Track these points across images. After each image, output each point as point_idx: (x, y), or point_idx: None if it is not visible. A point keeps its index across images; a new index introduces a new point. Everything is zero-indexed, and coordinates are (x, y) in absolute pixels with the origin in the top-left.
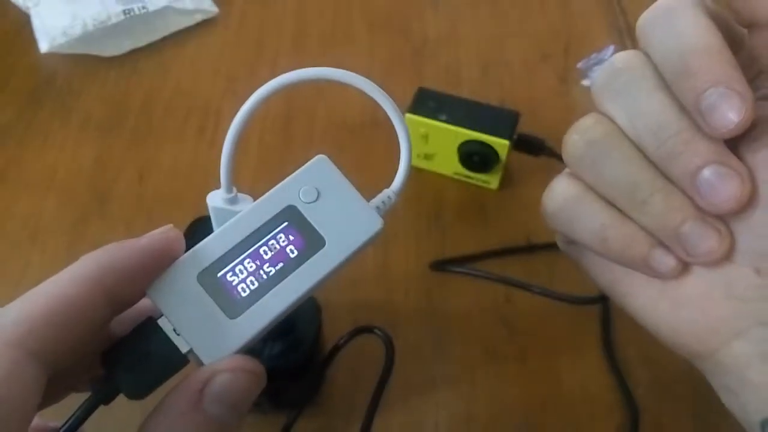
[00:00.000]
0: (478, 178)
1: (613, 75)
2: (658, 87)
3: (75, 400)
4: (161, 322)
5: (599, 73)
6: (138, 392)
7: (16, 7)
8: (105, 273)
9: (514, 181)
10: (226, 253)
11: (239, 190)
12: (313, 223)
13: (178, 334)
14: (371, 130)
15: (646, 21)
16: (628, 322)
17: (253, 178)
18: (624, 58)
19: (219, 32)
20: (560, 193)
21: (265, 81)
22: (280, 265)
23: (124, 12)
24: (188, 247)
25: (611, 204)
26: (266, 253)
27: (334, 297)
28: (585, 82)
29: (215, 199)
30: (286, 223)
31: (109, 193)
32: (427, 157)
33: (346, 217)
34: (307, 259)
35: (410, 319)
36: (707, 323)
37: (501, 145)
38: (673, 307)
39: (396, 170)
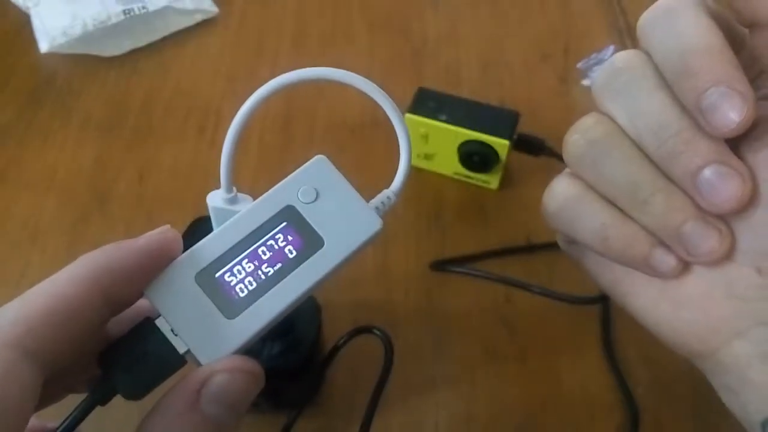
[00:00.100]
0: (478, 178)
1: (614, 74)
2: (658, 87)
3: (73, 401)
4: (159, 322)
5: (600, 73)
6: (135, 393)
7: (16, 7)
8: (102, 273)
9: (514, 181)
10: (224, 253)
11: (239, 190)
12: (311, 224)
13: (176, 335)
14: (371, 130)
15: (646, 21)
16: (628, 322)
17: (253, 178)
18: (624, 57)
19: (219, 32)
20: (561, 192)
21: (265, 81)
22: (279, 265)
23: (124, 12)
24: (188, 247)
25: (612, 204)
26: (265, 254)
27: (334, 297)
28: (585, 82)
29: (215, 199)
30: (284, 224)
31: (109, 193)
32: (427, 157)
33: (345, 217)
34: (306, 260)
35: (410, 319)
36: (708, 323)
37: (501, 145)
38: (674, 306)
39: (396, 170)
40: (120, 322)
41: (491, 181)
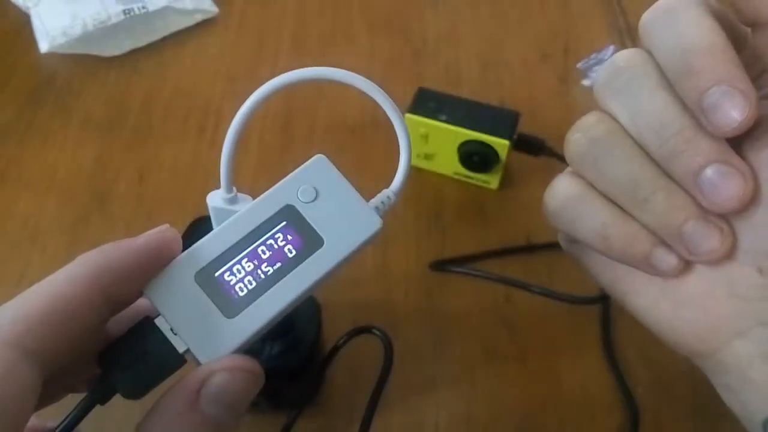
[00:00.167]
0: (478, 178)
1: (615, 73)
2: (660, 85)
3: (73, 400)
4: (158, 321)
5: (601, 72)
6: (135, 392)
7: (16, 7)
8: (101, 272)
9: (514, 181)
10: (223, 252)
11: (239, 190)
12: (311, 223)
13: (176, 334)
14: (371, 130)
15: (648, 20)
16: (628, 322)
17: (253, 178)
18: (626, 56)
19: (219, 32)
20: (562, 191)
21: (265, 81)
22: (278, 264)
23: (124, 12)
24: (188, 246)
25: (613, 203)
26: (264, 253)
27: (334, 297)
28: (585, 82)
29: (215, 199)
30: (284, 223)
31: (109, 193)
32: (427, 157)
33: (344, 216)
34: (306, 259)
35: (410, 319)
36: (709, 322)
37: (501, 145)
38: (675, 306)
39: (396, 170)
40: (119, 321)
41: (491, 181)
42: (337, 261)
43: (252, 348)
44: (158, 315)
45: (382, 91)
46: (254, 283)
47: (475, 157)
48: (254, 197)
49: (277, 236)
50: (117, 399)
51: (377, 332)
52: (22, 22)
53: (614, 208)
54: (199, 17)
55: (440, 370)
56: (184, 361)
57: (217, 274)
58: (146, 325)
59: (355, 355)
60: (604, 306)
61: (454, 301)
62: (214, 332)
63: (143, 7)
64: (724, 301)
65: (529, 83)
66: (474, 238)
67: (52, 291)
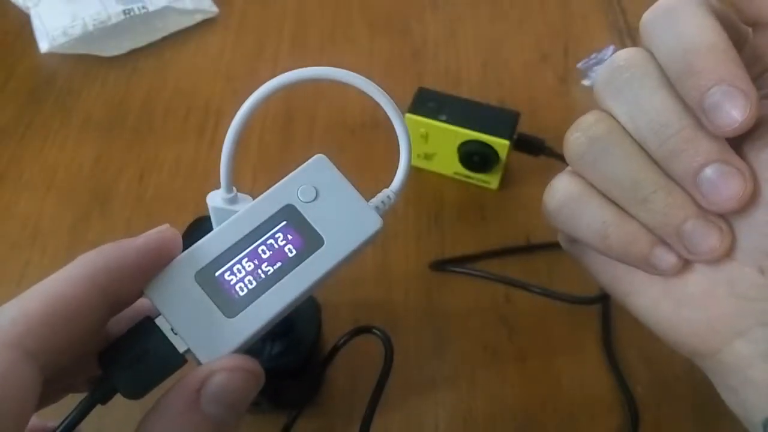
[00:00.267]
0: (478, 178)
1: (615, 72)
2: (660, 85)
3: (74, 400)
4: (159, 321)
5: (601, 71)
6: (135, 392)
7: (16, 7)
8: (101, 273)
9: (514, 181)
10: (223, 252)
11: (239, 190)
12: (311, 223)
13: (176, 334)
14: (371, 130)
15: (649, 19)
16: (628, 322)
17: (253, 178)
18: (626, 55)
19: (219, 32)
20: (561, 190)
21: (265, 81)
22: (279, 264)
23: (124, 12)
24: (188, 246)
25: (613, 202)
26: (264, 252)
27: (334, 297)
28: (585, 82)
29: (215, 199)
30: (284, 222)
31: (109, 193)
32: (427, 157)
33: (345, 216)
34: (306, 259)
35: (410, 319)
36: (709, 322)
37: (501, 145)
38: (676, 305)
39: (396, 170)
40: (120, 321)
41: (491, 181)
42: (337, 260)
43: (252, 348)
44: (158, 315)
45: (382, 91)
46: (254, 283)
47: (475, 157)
48: (254, 197)
49: (277, 236)
50: (117, 399)
51: (377, 332)
52: (22, 22)
53: (614, 207)
54: (199, 17)
55: (440, 370)
56: (185, 361)
57: (217, 273)
58: (146, 325)
59: (355, 355)
60: (604, 306)
61: (454, 301)
62: (214, 332)
63: (143, 7)
64: (725, 300)
65: (529, 83)
66: (474, 238)
67: (52, 291)
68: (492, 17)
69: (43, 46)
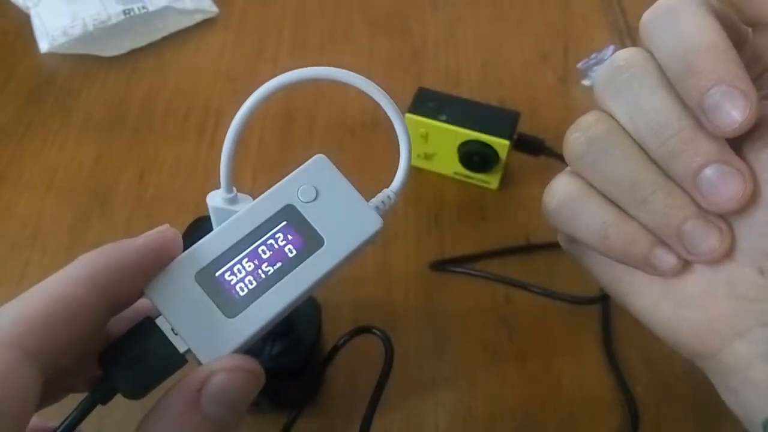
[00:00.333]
0: (478, 178)
1: (615, 72)
2: (660, 85)
3: (74, 400)
4: (159, 321)
5: (601, 71)
6: (135, 392)
7: (16, 7)
8: (101, 273)
9: (514, 181)
10: (224, 252)
11: (239, 190)
12: (311, 223)
13: (176, 334)
14: (371, 130)
15: (649, 19)
16: (628, 322)
17: (253, 178)
18: (626, 55)
19: (219, 32)
20: (561, 191)
21: (265, 81)
22: (279, 264)
23: (124, 12)
24: (188, 247)
25: (612, 202)
26: (265, 253)
27: (334, 297)
28: (585, 82)
29: (215, 199)
30: (284, 223)
31: (109, 193)
32: (427, 157)
33: (345, 216)
34: (306, 259)
35: (410, 319)
36: (709, 322)
37: (501, 145)
38: (675, 306)
39: (396, 170)
40: (120, 321)
41: (491, 181)
42: (337, 260)
43: (252, 348)
44: (159, 315)
45: (382, 90)
46: (255, 283)
47: (475, 157)
48: (254, 197)
49: (277, 236)
50: (117, 399)
51: (377, 332)
52: (22, 22)
53: (613, 207)
54: (199, 17)
55: (440, 370)
56: (185, 361)
57: (217, 273)
58: (147, 325)
59: (355, 355)
60: (604, 306)
61: (454, 301)
62: (214, 332)
63: (143, 7)
64: (725, 301)
65: (529, 83)
66: (474, 238)
67: (53, 292)
68: (492, 17)
69: (43, 46)
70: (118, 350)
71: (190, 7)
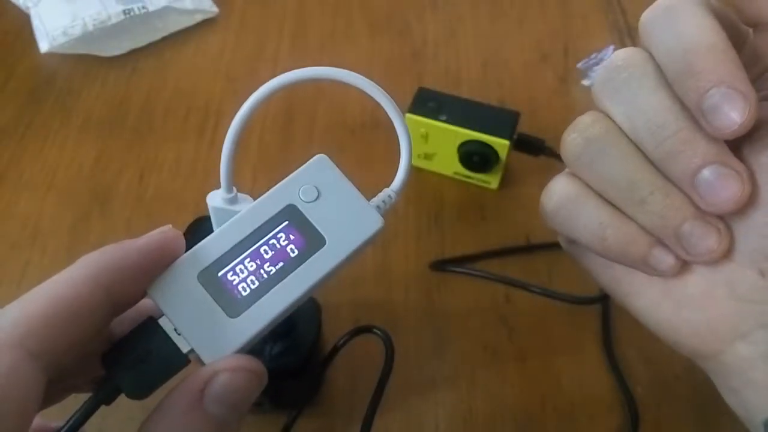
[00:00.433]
0: (478, 178)
1: (613, 72)
2: (658, 85)
3: (77, 400)
4: (162, 321)
5: (600, 70)
6: (139, 392)
7: (16, 7)
8: (103, 273)
9: (514, 181)
10: (226, 252)
11: (239, 190)
12: (313, 222)
13: (179, 334)
14: (371, 130)
15: (648, 19)
16: (628, 322)
17: (253, 178)
18: (624, 55)
19: (219, 32)
20: (558, 191)
21: (265, 81)
22: (281, 264)
23: (124, 12)
24: (189, 247)
25: (610, 203)
26: (267, 253)
27: (334, 297)
28: (585, 82)
29: (215, 199)
30: (286, 222)
31: (109, 193)
32: (427, 157)
33: (346, 215)
34: (308, 258)
35: (410, 319)
36: (710, 324)
37: (501, 145)
38: (676, 307)
39: (396, 170)
40: (123, 322)
41: (491, 181)
42: (339, 260)
43: (253, 348)
44: (162, 315)
45: (382, 90)
46: (257, 283)
47: (475, 157)
48: (254, 197)
49: (279, 236)
50: (119, 399)
51: (378, 332)
52: (22, 22)
53: (611, 208)
54: (199, 17)
55: (440, 370)
56: (188, 361)
57: (220, 274)
58: (150, 326)
59: (356, 355)
60: (604, 306)
61: (454, 301)
62: (217, 332)
63: (143, 7)
64: (725, 303)
65: (529, 83)
66: (474, 238)
67: (54, 292)
68: (492, 17)
69: (43, 46)
70: (122, 350)
71: (190, 7)
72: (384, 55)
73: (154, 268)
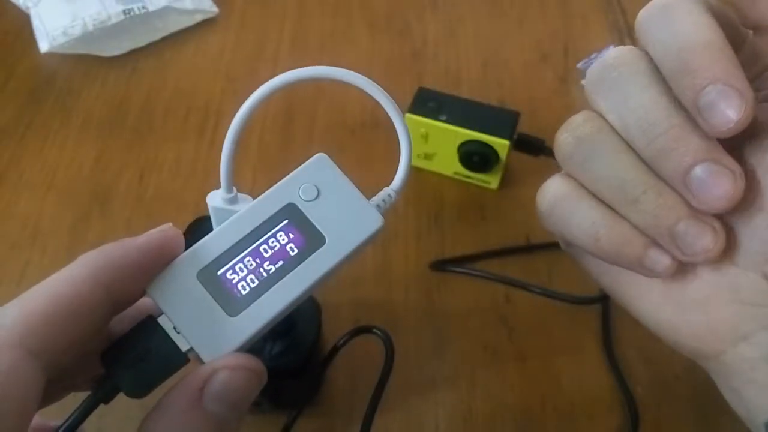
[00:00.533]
0: (478, 178)
1: (605, 70)
2: (651, 83)
3: (76, 399)
4: (161, 320)
5: (592, 69)
6: (138, 391)
7: (16, 7)
8: (103, 272)
9: (514, 181)
10: (226, 251)
11: (239, 190)
12: (313, 221)
13: (179, 333)
14: (371, 130)
15: (644, 17)
16: (628, 322)
17: (253, 178)
18: (617, 53)
19: (219, 32)
20: (552, 191)
21: (265, 81)
22: (280, 263)
23: (124, 12)
24: (189, 246)
25: (604, 203)
26: (266, 251)
27: (334, 297)
28: (585, 83)
29: (215, 199)
30: (286, 221)
31: (109, 193)
32: (427, 156)
33: (346, 214)
34: (308, 257)
35: (410, 319)
36: (711, 326)
37: (501, 145)
38: (678, 309)
39: (396, 170)
40: (122, 320)
41: (491, 181)
42: (339, 259)
43: (253, 348)
44: (161, 314)
45: (382, 90)
46: (257, 282)
47: (475, 157)
48: (254, 197)
49: (279, 234)
50: (118, 398)
51: (378, 332)
52: (22, 22)
53: (605, 208)
54: (199, 17)
55: (440, 370)
56: (188, 360)
57: (219, 272)
58: (149, 324)
59: (355, 355)
60: (604, 306)
61: (454, 301)
62: (216, 330)
63: (143, 7)
64: (728, 306)
65: (529, 83)
66: (474, 238)
67: (54, 291)
68: (492, 17)
69: (43, 46)
70: (121, 349)
71: (190, 7)
72: (384, 55)
73: (154, 266)
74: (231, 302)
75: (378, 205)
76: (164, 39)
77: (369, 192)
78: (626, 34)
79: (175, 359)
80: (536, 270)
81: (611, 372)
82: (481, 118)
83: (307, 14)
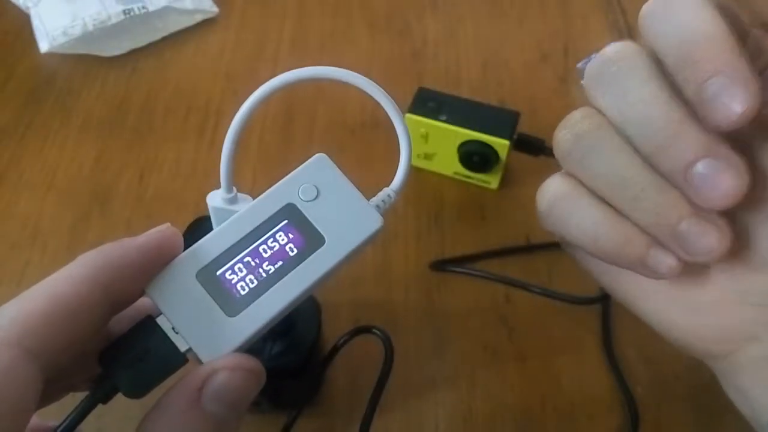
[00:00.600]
0: (478, 178)
1: (604, 65)
2: (650, 77)
3: (74, 399)
4: (160, 320)
5: (591, 65)
6: (136, 391)
7: (16, 7)
8: (102, 272)
9: (514, 181)
10: (225, 251)
11: (239, 190)
12: (312, 221)
13: (177, 333)
14: (371, 130)
15: (647, 11)
16: (628, 322)
17: (253, 178)
18: (615, 48)
19: (219, 32)
20: (551, 190)
21: (265, 81)
22: (280, 263)
23: (124, 12)
24: (188, 246)
25: (605, 202)
26: (265, 252)
27: (334, 297)
28: (584, 80)
29: (215, 199)
30: (285, 221)
31: (109, 193)
32: (427, 157)
33: (345, 215)
34: (307, 258)
35: (410, 319)
36: (720, 328)
37: (501, 145)
38: (685, 311)
39: (396, 170)
40: (121, 320)
41: (491, 181)
42: (338, 259)
43: (252, 348)
44: (160, 314)
45: (382, 90)
46: (256, 282)
47: (475, 157)
48: (254, 197)
49: (278, 235)
50: (117, 398)
51: (377, 332)
52: (22, 22)
53: (605, 207)
54: (199, 17)
55: (440, 370)
56: (186, 360)
57: (218, 272)
58: (148, 324)
59: (355, 355)
60: (604, 306)
61: (454, 301)
62: (215, 331)
63: (143, 7)
64: (738, 308)
65: (529, 83)
66: (474, 237)
67: (53, 291)
68: (492, 17)
69: (43, 46)
70: (119, 349)
71: (190, 7)
72: (384, 55)
73: (153, 266)
74: (230, 302)
75: (378, 206)
76: (164, 39)
77: (369, 192)
78: (626, 34)
79: (173, 359)
80: (536, 270)
81: (611, 372)
82: (481, 118)
83: (307, 14)
